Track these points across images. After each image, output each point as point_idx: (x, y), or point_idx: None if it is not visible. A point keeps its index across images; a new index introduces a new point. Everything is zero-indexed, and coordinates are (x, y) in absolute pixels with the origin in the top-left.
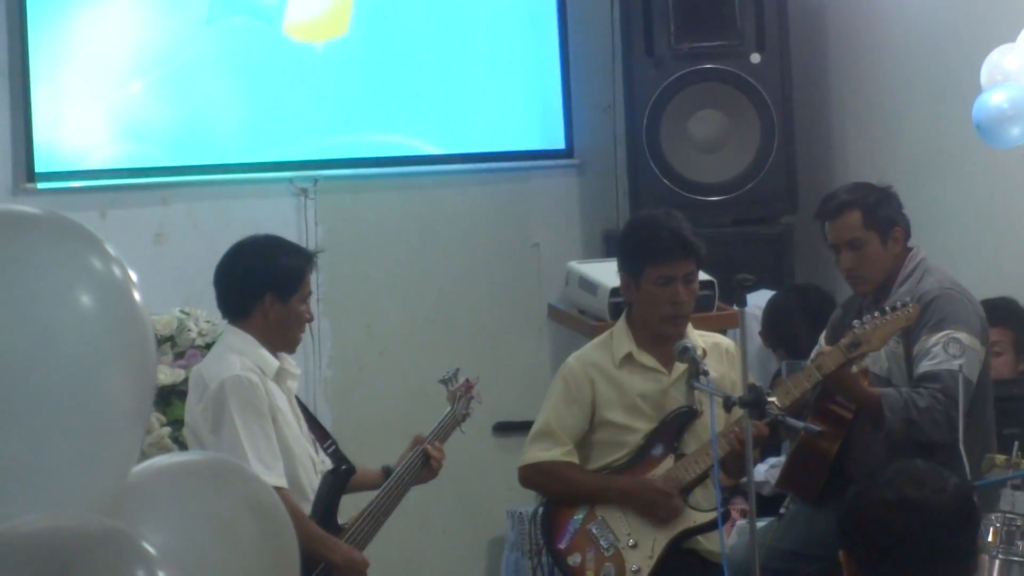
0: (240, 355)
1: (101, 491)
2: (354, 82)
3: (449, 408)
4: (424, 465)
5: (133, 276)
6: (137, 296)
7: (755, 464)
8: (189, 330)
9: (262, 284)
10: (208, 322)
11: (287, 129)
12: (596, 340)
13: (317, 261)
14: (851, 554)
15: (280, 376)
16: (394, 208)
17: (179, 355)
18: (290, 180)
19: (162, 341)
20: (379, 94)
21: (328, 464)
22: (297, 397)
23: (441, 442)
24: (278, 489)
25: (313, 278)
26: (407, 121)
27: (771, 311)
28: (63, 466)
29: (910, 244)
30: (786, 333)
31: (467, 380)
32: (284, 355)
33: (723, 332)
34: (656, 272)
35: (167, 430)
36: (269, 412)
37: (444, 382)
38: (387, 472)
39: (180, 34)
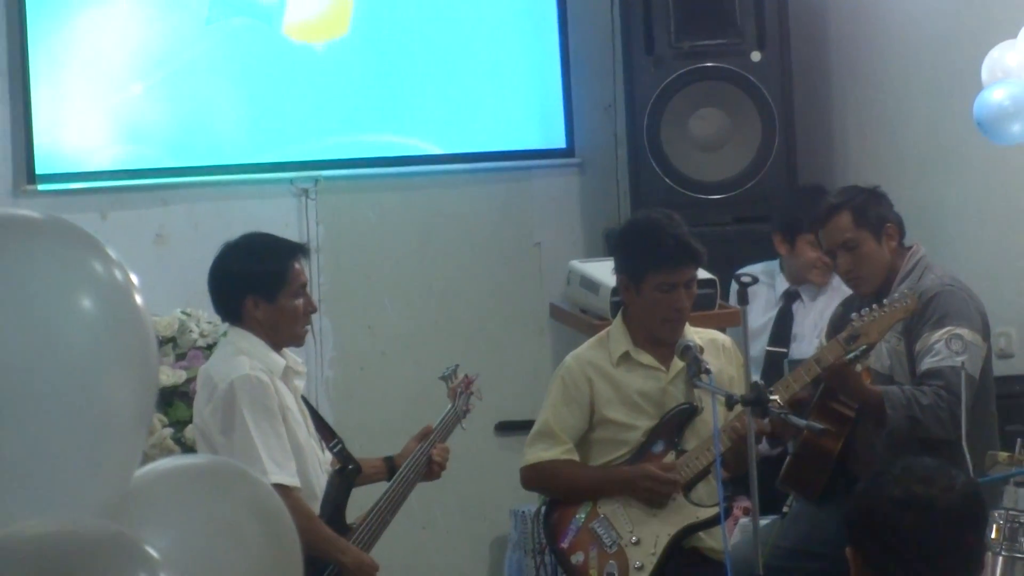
0: (247, 356)
1: (104, 495)
2: (354, 82)
3: (450, 405)
4: (428, 465)
5: (135, 280)
6: (139, 300)
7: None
8: (190, 331)
9: (241, 289)
10: (209, 323)
11: (287, 129)
12: (593, 339)
13: (308, 249)
14: (858, 551)
15: (287, 375)
16: (395, 208)
17: (180, 356)
18: (290, 180)
19: (163, 342)
20: (379, 94)
21: (333, 463)
22: (303, 396)
23: (444, 439)
24: (291, 489)
25: (315, 278)
26: (407, 121)
27: None
28: (65, 470)
29: (910, 242)
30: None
31: (467, 376)
32: (290, 353)
33: (723, 330)
34: (659, 279)
35: (169, 431)
36: (279, 411)
37: (444, 379)
38: (388, 461)
39: (180, 35)
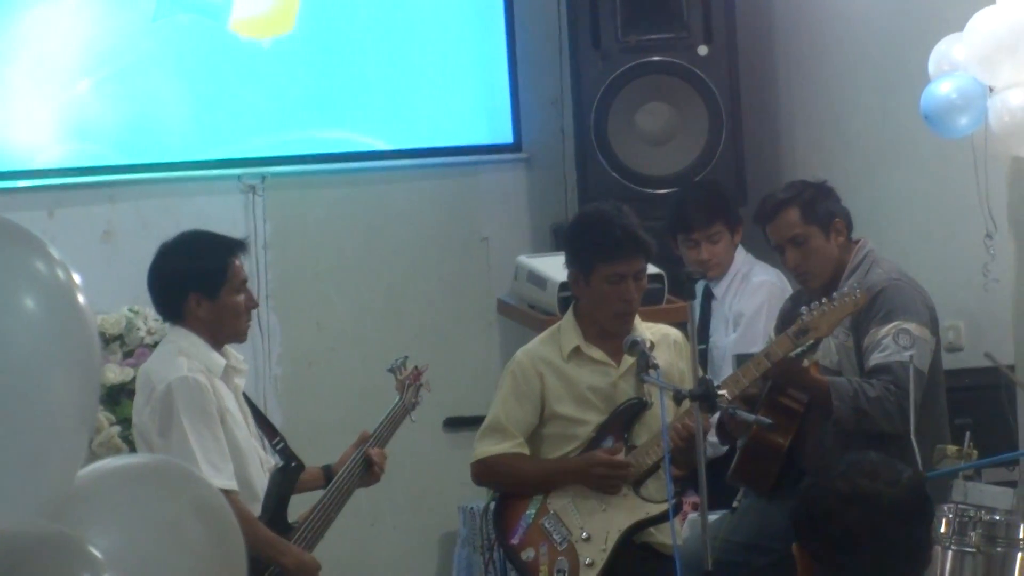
0: (187, 356)
1: (47, 495)
2: (301, 78)
3: (399, 397)
4: (366, 469)
5: (77, 279)
6: (82, 299)
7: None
8: (138, 329)
9: (183, 285)
10: (156, 320)
11: (235, 126)
12: (544, 334)
13: (247, 245)
14: (804, 547)
15: (227, 374)
16: (342, 204)
17: (128, 354)
18: (238, 177)
19: (111, 340)
20: (326, 90)
21: (277, 461)
22: (245, 394)
23: (392, 432)
24: (228, 492)
25: (262, 274)
26: (355, 117)
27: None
28: (8, 470)
29: (858, 236)
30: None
31: (416, 368)
32: (231, 351)
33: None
34: (607, 270)
35: (116, 429)
36: (217, 413)
37: (392, 371)
38: (327, 471)
39: (126, 32)
